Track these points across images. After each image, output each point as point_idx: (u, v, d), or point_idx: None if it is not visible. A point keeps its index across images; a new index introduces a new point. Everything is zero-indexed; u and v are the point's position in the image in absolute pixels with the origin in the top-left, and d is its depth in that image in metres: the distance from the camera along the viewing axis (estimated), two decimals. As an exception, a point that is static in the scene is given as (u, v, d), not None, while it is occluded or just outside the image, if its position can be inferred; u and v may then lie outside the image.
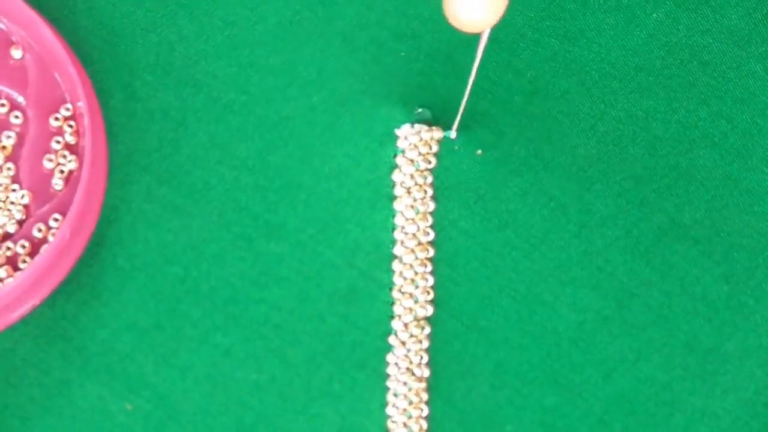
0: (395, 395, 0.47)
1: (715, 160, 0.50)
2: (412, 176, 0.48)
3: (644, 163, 0.50)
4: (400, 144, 0.48)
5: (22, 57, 0.47)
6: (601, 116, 0.50)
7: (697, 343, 0.48)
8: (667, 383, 0.48)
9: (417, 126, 0.49)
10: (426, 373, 0.48)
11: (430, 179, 0.49)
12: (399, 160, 0.49)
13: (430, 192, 0.49)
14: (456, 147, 0.50)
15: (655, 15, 0.50)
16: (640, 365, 0.48)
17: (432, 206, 0.49)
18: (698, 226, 0.49)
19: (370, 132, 0.49)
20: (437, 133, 0.49)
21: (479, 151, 0.49)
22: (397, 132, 0.49)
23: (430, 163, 0.48)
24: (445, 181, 0.49)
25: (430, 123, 0.50)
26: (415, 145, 0.48)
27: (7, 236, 0.46)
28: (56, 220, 0.46)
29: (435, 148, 0.49)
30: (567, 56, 0.50)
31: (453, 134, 0.49)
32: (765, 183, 0.49)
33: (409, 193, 0.48)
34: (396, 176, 0.48)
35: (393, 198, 0.48)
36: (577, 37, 0.50)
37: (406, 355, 0.48)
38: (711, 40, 0.50)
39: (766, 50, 0.50)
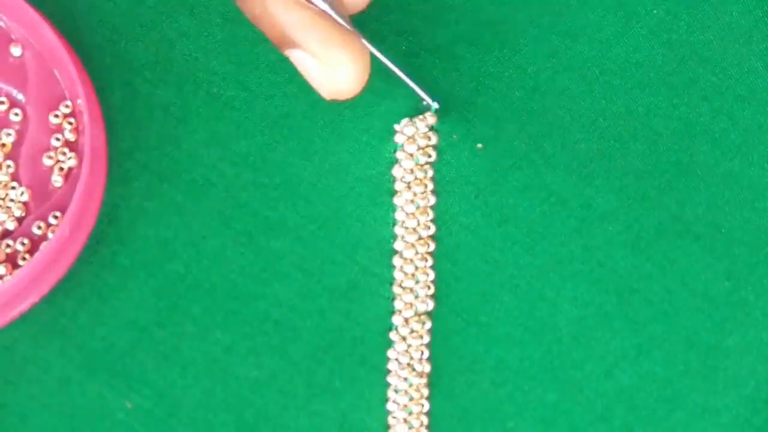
0: (396, 391, 0.49)
1: (716, 156, 0.51)
2: (411, 171, 0.49)
3: (645, 159, 0.51)
4: (398, 139, 0.50)
5: (22, 54, 0.48)
6: (602, 112, 0.51)
7: (698, 339, 0.50)
8: (668, 379, 0.49)
9: (414, 119, 0.50)
10: (427, 368, 0.49)
11: (430, 173, 0.50)
12: (398, 154, 0.50)
13: (430, 186, 0.50)
14: (453, 136, 0.51)
15: (656, 11, 0.52)
16: (640, 361, 0.49)
17: (432, 200, 0.50)
18: (699, 222, 0.50)
19: (371, 128, 0.49)
20: (431, 119, 0.50)
21: (479, 145, 0.50)
22: (396, 127, 0.50)
23: (429, 156, 0.49)
24: (445, 176, 0.50)
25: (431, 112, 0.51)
26: (413, 138, 0.50)
27: (7, 233, 0.47)
28: (56, 217, 0.46)
29: (434, 140, 0.50)
30: (568, 52, 0.51)
31: (431, 104, 0.50)
32: (766, 179, 0.51)
33: (409, 187, 0.50)
34: (396, 171, 0.49)
35: (393, 193, 0.50)
36: (578, 34, 0.51)
37: (406, 351, 0.49)
38: (712, 37, 0.52)
39: (767, 47, 0.52)
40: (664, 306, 0.49)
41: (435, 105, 0.49)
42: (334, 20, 0.45)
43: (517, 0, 0.51)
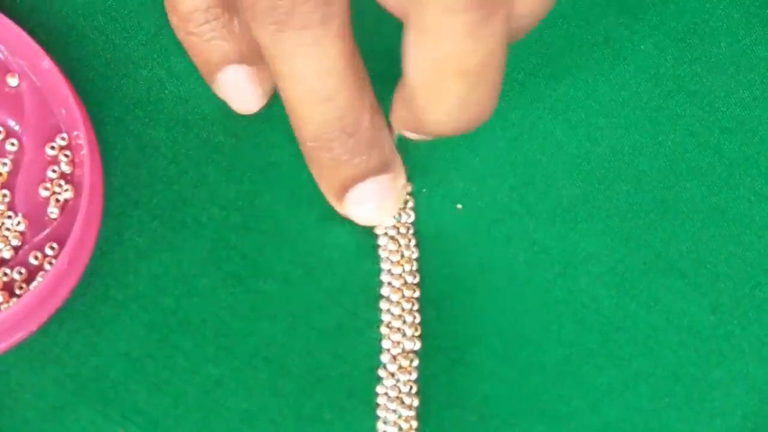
0: (385, 422, 0.54)
1: (702, 191, 0.55)
2: (395, 226, 0.57)
3: (630, 199, 0.55)
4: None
5: (18, 85, 0.53)
6: (587, 155, 0.55)
7: (684, 373, 0.53)
8: (654, 411, 0.53)
9: None
10: (415, 402, 0.54)
11: (411, 230, 0.57)
12: None
13: (413, 241, 0.57)
14: (424, 190, 0.54)
15: (642, 46, 0.55)
16: (626, 395, 0.53)
17: (416, 253, 0.57)
18: (684, 258, 0.54)
19: None
20: (408, 188, 0.56)
21: (459, 206, 0.54)
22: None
23: (409, 216, 0.55)
24: (426, 234, 0.55)
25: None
26: None
27: (3, 262, 0.52)
28: (52, 248, 0.54)
29: (411, 203, 0.55)
30: (552, 95, 0.56)
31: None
32: (751, 212, 0.54)
33: (393, 240, 0.57)
34: (378, 229, 0.57)
35: (377, 246, 0.55)
36: (564, 75, 0.56)
37: (395, 385, 0.53)
38: (699, 69, 0.55)
39: (753, 77, 0.55)
40: (649, 342, 0.53)
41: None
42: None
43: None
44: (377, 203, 0.53)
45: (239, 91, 0.53)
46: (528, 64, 0.57)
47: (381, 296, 0.54)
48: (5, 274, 0.53)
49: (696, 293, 0.54)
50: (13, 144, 0.53)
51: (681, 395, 0.53)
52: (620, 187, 0.55)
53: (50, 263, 0.53)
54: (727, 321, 0.54)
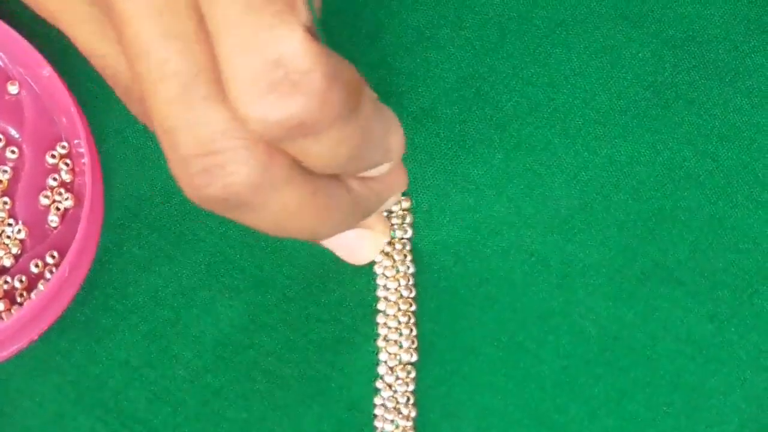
0: None
1: (700, 200, 0.55)
2: (390, 242, 0.57)
3: (628, 208, 0.56)
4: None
5: (19, 92, 0.55)
6: (585, 165, 0.57)
7: (681, 381, 0.54)
8: (652, 420, 0.54)
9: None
10: (413, 413, 0.54)
11: (408, 246, 0.58)
12: None
13: (409, 257, 0.58)
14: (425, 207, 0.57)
15: (641, 54, 0.56)
16: (624, 404, 0.54)
17: (412, 269, 0.58)
18: (682, 267, 0.55)
19: None
20: (406, 203, 0.57)
21: None
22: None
23: (406, 232, 0.58)
24: (423, 249, 0.57)
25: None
26: (389, 218, 0.57)
27: (4, 270, 0.55)
28: (53, 257, 0.58)
29: (409, 219, 0.57)
30: (550, 105, 0.57)
31: None
32: (750, 220, 0.55)
33: (388, 256, 0.58)
34: None
35: (374, 261, 0.57)
36: (562, 84, 0.56)
37: (392, 396, 0.54)
38: (697, 77, 0.56)
39: (752, 84, 0.56)
40: (646, 351, 0.53)
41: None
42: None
43: (500, 52, 0.55)
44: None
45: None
46: (526, 72, 0.58)
47: (377, 311, 0.57)
48: (6, 282, 0.56)
49: (694, 302, 0.56)
50: (13, 152, 0.55)
51: (678, 404, 0.55)
52: (618, 196, 0.57)
53: (51, 271, 0.56)
54: (725, 329, 0.55)
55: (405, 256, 0.57)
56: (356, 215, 0.48)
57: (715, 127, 0.56)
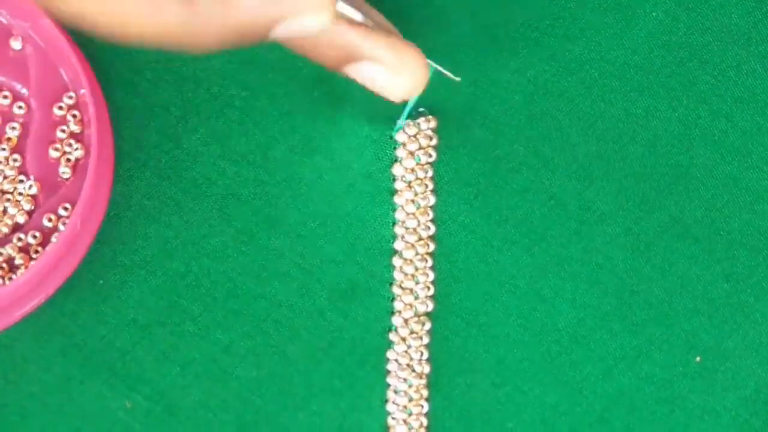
0: (395, 392, 0.50)
1: (715, 158, 0.53)
2: (412, 170, 0.51)
3: (644, 161, 0.52)
4: (399, 137, 0.52)
5: (22, 48, 0.49)
6: (601, 115, 0.53)
7: (698, 341, 0.51)
8: (668, 380, 0.51)
9: (416, 119, 0.52)
10: (426, 369, 0.51)
11: (430, 173, 0.51)
12: (399, 152, 0.50)
13: (430, 186, 0.51)
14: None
15: (654, 14, 0.54)
16: (640, 362, 0.51)
17: (432, 200, 0.51)
18: (698, 224, 0.52)
19: (371, 125, 0.50)
20: (433, 122, 0.51)
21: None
22: (398, 122, 0.52)
23: (430, 156, 0.51)
24: (445, 176, 0.51)
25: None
26: (415, 137, 0.52)
27: (18, 227, 0.48)
28: (66, 209, 0.47)
29: (434, 141, 0.51)
30: (567, 55, 0.53)
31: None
32: (765, 181, 0.52)
33: (409, 186, 0.51)
34: (396, 170, 0.50)
35: (393, 192, 0.51)
36: (577, 36, 0.53)
37: (406, 352, 0.50)
38: (711, 39, 0.54)
39: (765, 49, 0.53)
40: (663, 308, 0.51)
41: (457, 79, 0.51)
42: (382, 28, 0.48)
43: (515, 3, 0.52)
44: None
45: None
46: (541, 23, 0.53)
47: (394, 251, 0.51)
48: (20, 239, 0.48)
49: (710, 259, 0.51)
50: (20, 107, 0.48)
51: (694, 364, 0.50)
52: (635, 148, 0.52)
53: (64, 224, 0.47)
54: (741, 290, 0.50)
55: (426, 185, 0.51)
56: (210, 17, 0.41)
57: (729, 89, 0.52)
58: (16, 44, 0.49)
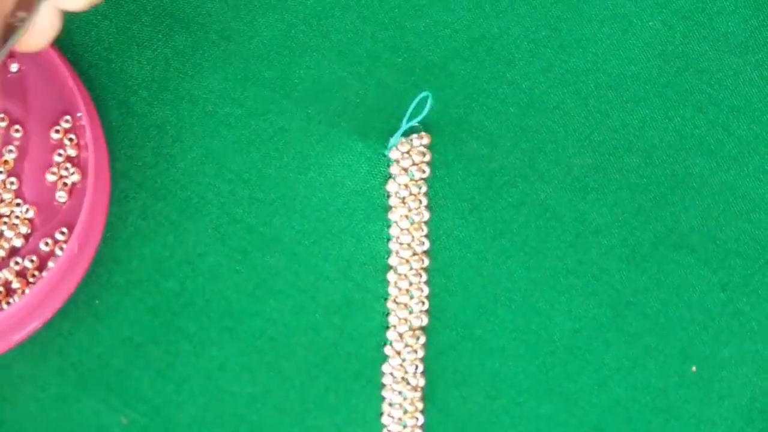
0: (390, 405, 0.50)
1: (712, 168, 0.53)
2: (406, 186, 0.51)
3: (640, 172, 0.53)
4: (393, 155, 0.52)
5: (19, 70, 0.50)
6: (597, 126, 0.53)
7: (693, 351, 0.52)
8: (663, 390, 0.51)
9: (409, 136, 0.52)
10: (421, 382, 0.51)
11: (424, 188, 0.52)
12: (393, 169, 0.51)
13: (424, 201, 0.52)
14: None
15: (651, 23, 0.54)
16: (635, 373, 0.51)
17: (427, 216, 0.52)
18: (695, 234, 0.52)
19: (365, 142, 0.51)
20: (426, 139, 0.51)
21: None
22: (391, 140, 0.52)
23: (424, 172, 0.51)
24: (439, 191, 0.51)
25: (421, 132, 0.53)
26: (408, 153, 0.52)
27: (15, 251, 0.49)
28: (62, 233, 0.48)
29: (428, 157, 0.52)
30: (563, 67, 0.53)
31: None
32: (761, 190, 0.52)
33: (403, 202, 0.52)
34: (390, 186, 0.51)
35: (388, 208, 0.51)
36: (573, 48, 0.53)
37: (401, 365, 0.51)
38: (707, 48, 0.54)
39: (762, 57, 0.53)
40: (659, 318, 0.51)
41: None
42: None
43: (511, 15, 0.52)
44: None
45: None
46: (537, 35, 0.53)
47: (389, 266, 0.51)
48: (17, 263, 0.48)
49: (706, 269, 0.51)
50: (17, 130, 0.49)
51: (690, 374, 0.51)
52: (631, 159, 0.52)
53: (61, 248, 0.48)
54: (737, 299, 0.51)
55: (420, 201, 0.51)
56: None
57: (726, 98, 0.52)
58: (13, 67, 0.50)
